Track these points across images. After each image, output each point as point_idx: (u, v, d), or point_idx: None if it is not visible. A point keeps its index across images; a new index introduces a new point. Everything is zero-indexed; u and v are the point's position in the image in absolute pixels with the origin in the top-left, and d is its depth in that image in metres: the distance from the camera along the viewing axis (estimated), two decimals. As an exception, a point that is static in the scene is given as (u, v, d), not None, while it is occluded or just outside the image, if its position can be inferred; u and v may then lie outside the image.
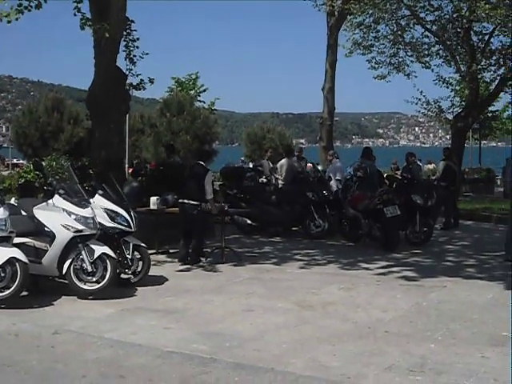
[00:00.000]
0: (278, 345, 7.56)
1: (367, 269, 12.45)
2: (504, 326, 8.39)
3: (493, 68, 27.53)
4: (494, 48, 26.93)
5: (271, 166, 18.15)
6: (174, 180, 14.33)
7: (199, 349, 7.39)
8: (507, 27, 23.19)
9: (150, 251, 11.48)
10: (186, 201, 12.91)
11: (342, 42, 26.00)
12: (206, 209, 12.92)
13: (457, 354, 7.21)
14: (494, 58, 27.00)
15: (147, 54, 16.81)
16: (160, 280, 11.22)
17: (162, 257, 13.49)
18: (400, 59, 27.33)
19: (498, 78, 27.40)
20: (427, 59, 27.44)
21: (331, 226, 16.34)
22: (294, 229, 17.15)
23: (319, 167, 19.83)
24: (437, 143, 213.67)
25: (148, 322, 8.63)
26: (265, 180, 17.53)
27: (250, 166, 19.95)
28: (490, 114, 36.30)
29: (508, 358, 7.04)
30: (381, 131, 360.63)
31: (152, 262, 11.33)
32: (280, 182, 17.49)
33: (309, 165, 19.18)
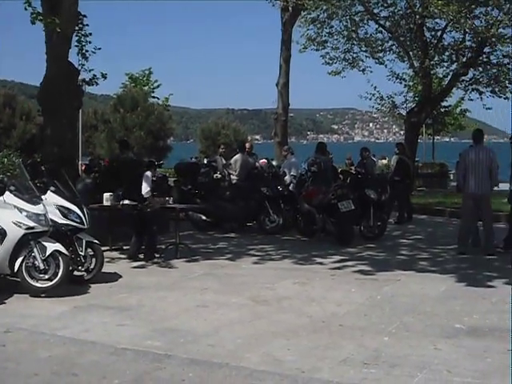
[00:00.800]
0: (233, 340, 7.54)
1: (322, 263, 12.48)
2: (456, 317, 8.48)
3: (445, 64, 27.93)
4: (446, 44, 27.27)
5: (224, 162, 18.11)
6: (127, 176, 14.21)
7: (153, 345, 7.33)
8: (459, 23, 23.41)
9: (103, 248, 11.36)
10: (125, 202, 12.87)
11: (296, 37, 26.11)
12: (145, 207, 12.82)
13: (410, 347, 7.26)
14: (447, 53, 27.35)
15: (99, 48, 16.65)
16: (114, 277, 11.10)
17: (116, 253, 13.35)
18: (354, 55, 27.55)
19: (451, 73, 27.76)
20: (381, 55, 27.68)
21: (286, 221, 16.38)
22: (248, 224, 17.15)
23: (274, 163, 19.83)
24: (391, 139, 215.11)
25: (101, 319, 8.54)
26: (219, 176, 17.47)
27: (205, 162, 19.91)
28: (442, 110, 36.61)
29: (460, 350, 7.12)
30: (335, 127, 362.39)
31: (105, 259, 11.19)
32: (234, 177, 17.45)
33: (263, 161, 19.15)
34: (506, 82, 27.44)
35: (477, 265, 12.30)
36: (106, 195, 13.56)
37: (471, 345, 7.34)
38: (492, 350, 7.10)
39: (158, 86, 39.61)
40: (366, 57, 27.66)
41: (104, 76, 16.87)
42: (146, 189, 12.85)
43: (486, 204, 13.58)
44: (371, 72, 28.50)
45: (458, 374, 6.39)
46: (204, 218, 16.48)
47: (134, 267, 12.21)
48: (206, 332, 7.88)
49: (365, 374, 6.41)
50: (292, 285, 10.59)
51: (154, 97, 37.63)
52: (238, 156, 17.75)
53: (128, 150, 16.85)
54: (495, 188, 14.15)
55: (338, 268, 11.99)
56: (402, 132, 30.27)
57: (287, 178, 17.48)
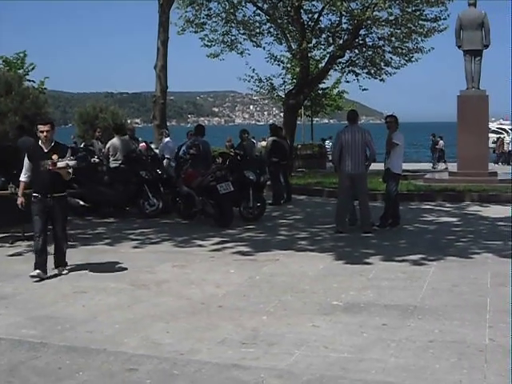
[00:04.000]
0: (111, 325, 7.43)
1: (201, 246, 12.47)
2: (334, 295, 8.62)
3: (322, 46, 28.39)
4: (323, 26, 27.71)
5: (101, 145, 17.80)
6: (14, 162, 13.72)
7: (29, 334, 7.13)
8: (336, 6, 23.81)
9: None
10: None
11: (174, 19, 25.89)
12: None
13: (288, 325, 7.33)
14: (324, 36, 27.78)
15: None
16: (-13, 266, 10.78)
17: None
18: (232, 37, 27.60)
19: (328, 55, 28.18)
20: (259, 37, 27.80)
21: (165, 204, 16.27)
22: (127, 209, 16.94)
23: (153, 146, 19.67)
24: (271, 121, 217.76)
25: (-26, 309, 8.26)
26: (97, 160, 17.17)
27: (81, 146, 19.54)
28: (320, 91, 37.20)
29: (337, 326, 7.24)
30: (216, 110, 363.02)
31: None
32: (112, 161, 17.19)
33: (142, 144, 18.97)
34: (382, 63, 28.12)
35: (354, 243, 12.55)
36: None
37: (348, 321, 7.47)
38: (367, 326, 7.24)
39: (33, 69, 38.47)
40: (244, 39, 27.79)
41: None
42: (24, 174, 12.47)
43: (361, 183, 13.86)
44: (249, 55, 28.68)
45: (335, 350, 6.49)
46: (82, 203, 16.14)
47: (10, 255, 11.86)
48: (84, 318, 7.73)
49: (243, 353, 6.42)
50: (171, 268, 10.53)
51: (29, 80, 36.56)
52: (114, 139, 17.49)
53: (26, 134, 16.26)
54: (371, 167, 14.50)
55: (218, 250, 12.00)
56: (282, 114, 30.52)
57: (165, 161, 17.37)
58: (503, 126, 68.58)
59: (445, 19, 25.79)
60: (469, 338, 6.76)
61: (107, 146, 17.51)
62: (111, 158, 17.20)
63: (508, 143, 40.06)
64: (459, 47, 23.63)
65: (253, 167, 15.70)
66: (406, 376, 5.80)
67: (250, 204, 15.46)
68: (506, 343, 6.58)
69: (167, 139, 18.95)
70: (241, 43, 27.84)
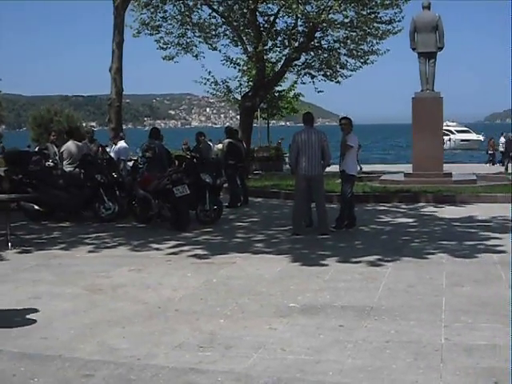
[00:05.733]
0: (67, 331, 7.33)
1: (158, 249, 12.39)
2: (291, 297, 8.62)
3: (278, 48, 28.50)
4: (279, 29, 27.84)
5: (55, 149, 17.63)
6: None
7: (-18, 341, 7.03)
8: (291, 8, 23.91)
9: None
10: None
11: (130, 22, 25.77)
12: None
13: (245, 328, 7.31)
14: (280, 38, 27.90)
15: None
16: None
17: None
18: (188, 40, 27.58)
19: (284, 58, 28.27)
20: (215, 40, 27.81)
21: (121, 208, 16.15)
22: (83, 213, 16.78)
23: (108, 149, 19.53)
24: (228, 123, 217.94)
25: None
26: (51, 164, 16.99)
27: (36, 149, 19.34)
28: (276, 94, 37.29)
29: (294, 328, 7.25)
30: (173, 112, 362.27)
31: None
32: (66, 165, 17.04)
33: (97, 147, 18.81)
34: (337, 66, 28.32)
35: (311, 245, 12.58)
36: None
37: (305, 322, 7.48)
38: (324, 327, 7.26)
39: (-13, 72, 38.12)
40: (200, 42, 27.78)
41: None
42: None
43: (318, 185, 13.91)
44: (204, 57, 28.69)
45: (292, 352, 6.49)
46: (36, 207, 15.94)
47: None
48: (39, 324, 7.63)
49: (200, 357, 6.39)
50: (128, 272, 10.45)
51: (-20, 84, 36.26)
52: (69, 143, 17.35)
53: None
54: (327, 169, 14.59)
55: (174, 253, 11.94)
56: (238, 117, 30.54)
57: (120, 165, 17.27)
58: (449, 128, 69.74)
59: (399, 21, 26.07)
60: (425, 338, 6.81)
61: (62, 149, 17.34)
62: (66, 162, 17.04)
63: (502, 143, 40.34)
64: (414, 49, 23.90)
65: (209, 170, 15.66)
66: (362, 377, 5.82)
67: (206, 207, 15.42)
68: (461, 342, 6.64)
69: (121, 142, 18.83)
70: (196, 46, 27.87)
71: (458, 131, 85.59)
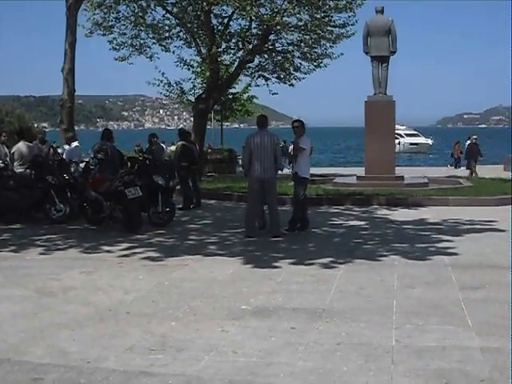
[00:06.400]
0: (16, 334, 7.23)
1: (110, 251, 12.28)
2: (243, 299, 8.61)
3: (232, 50, 28.45)
4: (233, 31, 27.80)
5: (6, 150, 17.39)
6: None
7: None
8: (245, 11, 23.89)
9: None
10: None
11: (83, 22, 25.54)
12: None
13: (197, 330, 7.28)
14: (234, 40, 27.88)
15: None
16: None
17: None
18: (142, 41, 27.39)
19: (238, 60, 28.26)
20: (168, 41, 27.70)
21: (73, 209, 15.98)
22: (34, 214, 16.55)
23: (59, 150, 19.33)
24: (181, 125, 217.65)
25: None
26: (2, 165, 16.74)
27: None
28: (230, 96, 37.31)
29: (246, 331, 7.24)
30: (126, 114, 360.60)
31: None
32: (17, 166, 16.82)
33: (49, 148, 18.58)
34: (291, 68, 28.38)
35: (263, 247, 12.60)
36: None
37: (257, 325, 7.47)
38: (276, 330, 7.26)
39: None
40: (154, 43, 27.63)
41: None
42: None
43: (271, 187, 13.92)
44: (158, 59, 28.56)
45: (244, 355, 6.48)
46: (-14, 209, 15.72)
47: None
48: (-13, 328, 7.52)
49: (152, 360, 6.35)
50: (78, 274, 10.33)
51: None
52: (19, 144, 17.13)
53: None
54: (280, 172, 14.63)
55: (126, 255, 11.84)
56: (192, 118, 30.48)
57: (72, 166, 17.09)
58: (398, 131, 70.57)
59: (353, 25, 26.20)
60: (376, 340, 6.85)
61: (12, 150, 17.09)
62: (16, 163, 16.81)
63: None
64: (367, 53, 24.07)
65: (162, 172, 15.58)
66: (313, 379, 5.83)
67: (159, 209, 15.33)
68: (411, 344, 6.70)
69: (75, 143, 18.65)
70: (150, 47, 27.70)
71: (408, 135, 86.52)
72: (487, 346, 6.65)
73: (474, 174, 32.05)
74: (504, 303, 8.28)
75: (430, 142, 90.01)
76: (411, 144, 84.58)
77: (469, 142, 37.83)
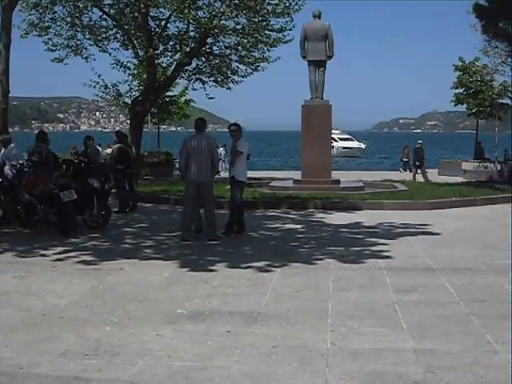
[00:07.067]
0: None
1: (44, 255, 12.09)
2: (178, 303, 8.58)
3: (169, 53, 28.32)
4: (170, 34, 27.71)
5: None
6: None
7: None
8: (183, 13, 23.87)
9: None
10: None
11: (18, 22, 25.18)
12: None
13: (132, 335, 7.22)
14: (171, 43, 27.78)
15: None
16: None
17: None
18: (78, 42, 27.13)
19: (175, 63, 28.17)
20: (105, 43, 27.48)
21: (6, 213, 15.70)
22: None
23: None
24: (118, 128, 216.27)
25: None
26: None
27: None
28: (167, 99, 37.13)
29: (181, 334, 7.21)
30: (61, 116, 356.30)
31: None
32: None
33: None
34: (228, 72, 28.40)
35: (199, 250, 12.57)
36: None
37: (192, 329, 7.45)
38: (212, 333, 7.25)
39: None
40: (90, 44, 27.39)
41: None
42: None
43: (207, 191, 13.89)
44: (94, 60, 28.29)
45: (179, 359, 6.46)
46: None
47: None
48: None
49: (85, 365, 6.28)
50: (12, 279, 10.16)
51: None
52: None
53: None
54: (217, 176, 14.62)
55: (60, 259, 11.68)
56: (128, 121, 30.25)
57: (7, 169, 16.77)
58: (333, 136, 71.29)
59: (290, 30, 26.35)
60: (311, 343, 6.89)
61: None
62: None
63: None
64: (304, 58, 24.23)
65: (97, 175, 15.43)
66: (249, 382, 5.84)
67: (94, 212, 15.17)
68: (346, 347, 6.75)
69: (11, 146, 18.31)
70: (86, 48, 27.44)
71: (341, 139, 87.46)
72: (421, 347, 6.75)
73: (420, 178, 32.20)
74: (437, 305, 8.42)
75: (362, 146, 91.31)
76: (344, 148, 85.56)
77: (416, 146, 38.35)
